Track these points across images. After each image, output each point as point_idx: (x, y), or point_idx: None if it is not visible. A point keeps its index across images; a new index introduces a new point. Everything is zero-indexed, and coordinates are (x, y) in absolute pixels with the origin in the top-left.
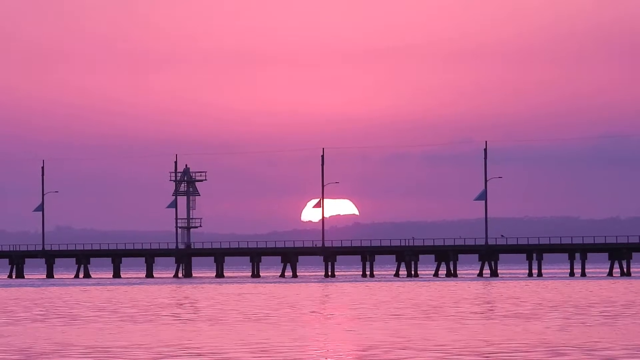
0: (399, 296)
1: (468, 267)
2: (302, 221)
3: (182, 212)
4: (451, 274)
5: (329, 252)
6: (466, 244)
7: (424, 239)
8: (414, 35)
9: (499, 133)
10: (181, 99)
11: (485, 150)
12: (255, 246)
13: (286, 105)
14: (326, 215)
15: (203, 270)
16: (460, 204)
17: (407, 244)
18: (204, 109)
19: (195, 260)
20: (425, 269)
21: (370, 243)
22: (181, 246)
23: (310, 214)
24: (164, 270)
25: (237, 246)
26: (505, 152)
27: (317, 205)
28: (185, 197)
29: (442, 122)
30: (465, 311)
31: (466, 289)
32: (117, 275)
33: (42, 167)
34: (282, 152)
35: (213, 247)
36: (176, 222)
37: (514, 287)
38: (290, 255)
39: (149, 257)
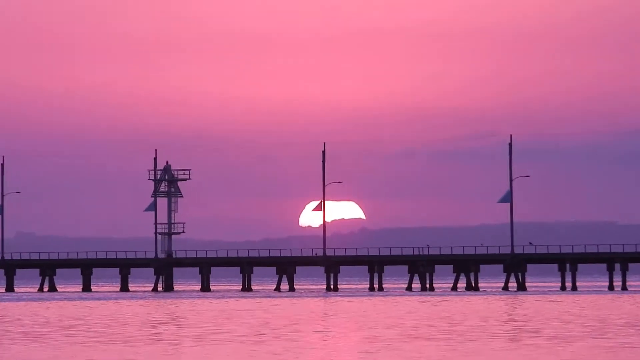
0: (414, 313)
1: (491, 280)
2: (301, 226)
3: (162, 216)
4: (472, 288)
5: (332, 262)
6: (489, 252)
7: (440, 247)
8: (430, 14)
9: (526, 125)
10: (162, 87)
11: (510, 144)
12: (247, 255)
13: (283, 94)
14: (328, 219)
15: (186, 282)
16: (481, 206)
17: (421, 253)
18: (188, 98)
19: (177, 271)
20: (442, 282)
21: (379, 252)
22: (161, 255)
23: (309, 218)
24: (142, 282)
25: (226, 255)
26: (533, 147)
27: (318, 208)
28: (166, 198)
29: (461, 113)
30: (495, 330)
31: (491, 304)
32: (87, 288)
33: (2, 165)
34: (278, 147)
35: (198, 256)
36: (155, 228)
37: (547, 302)
38: (286, 265)
39: (124, 267)
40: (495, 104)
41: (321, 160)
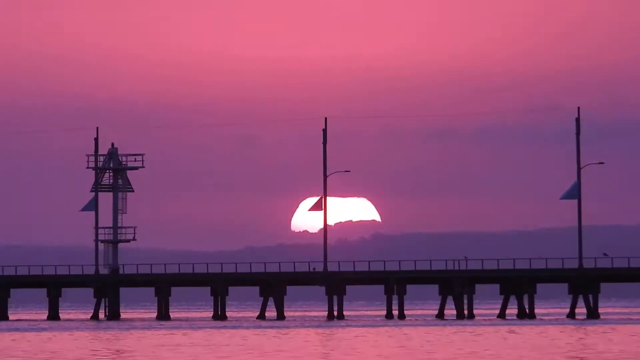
0: (455, 351)
1: (552, 304)
2: (293, 232)
3: (105, 217)
4: (525, 314)
5: (335, 280)
6: (548, 267)
7: (482, 260)
8: None
9: (598, 96)
10: (105, 44)
11: (578, 120)
12: (220, 271)
13: (269, 52)
14: (330, 222)
15: (137, 307)
16: (538, 205)
17: (456, 268)
18: (138, 63)
19: (125, 292)
20: (485, 307)
21: (399, 266)
22: (103, 271)
23: (305, 220)
24: (77, 307)
25: (191, 271)
26: (607, 126)
27: (316, 207)
28: (111, 193)
29: (508, 80)
30: None
31: (554, 339)
32: (2, 317)
33: None
34: (262, 125)
35: (153, 272)
36: (96, 233)
37: (627, 336)
38: (274, 284)
39: (53, 287)
40: (555, 69)
41: (322, 142)
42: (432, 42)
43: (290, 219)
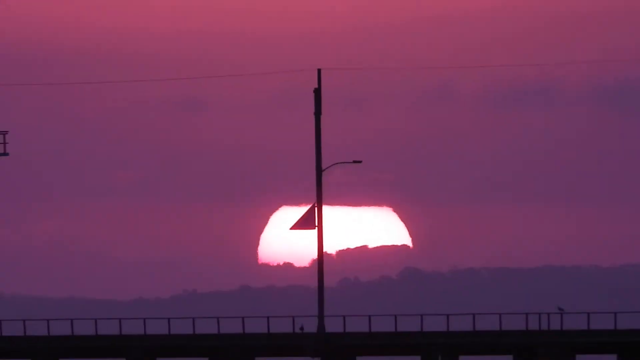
0: None
1: None
2: (263, 265)
3: None
4: None
5: (337, 348)
6: None
7: (588, 314)
8: None
9: None
10: None
11: None
12: (142, 332)
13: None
14: (328, 248)
15: None
16: None
17: (542, 329)
18: None
19: None
20: None
21: (448, 324)
22: None
23: (283, 245)
24: None
25: (93, 334)
26: None
27: (304, 224)
28: None
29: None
30: None
31: None
32: None
33: None
34: (210, 87)
35: (32, 334)
36: None
37: None
38: (237, 355)
39: None
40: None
41: (313, 112)
42: None
43: (257, 246)
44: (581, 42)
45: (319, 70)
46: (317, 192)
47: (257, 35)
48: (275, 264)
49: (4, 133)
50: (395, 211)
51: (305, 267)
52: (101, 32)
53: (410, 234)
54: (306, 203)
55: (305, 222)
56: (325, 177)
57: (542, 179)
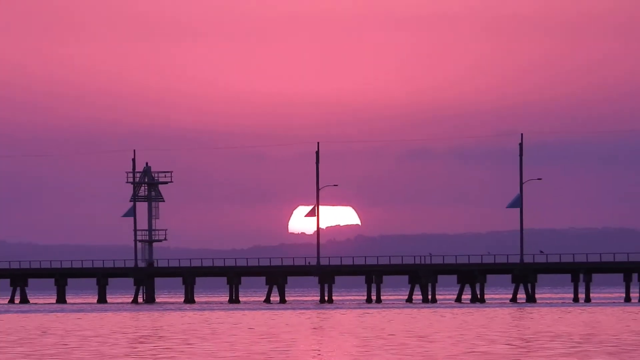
0: (418, 327)
1: (498, 291)
2: (292, 233)
3: (142, 222)
4: (477, 299)
5: (326, 272)
6: (496, 262)
7: (443, 256)
8: (442, 2)
9: (539, 124)
10: (141, 84)
11: (521, 145)
12: (234, 264)
13: (272, 89)
14: (322, 226)
15: (169, 294)
16: (488, 212)
17: (422, 262)
18: (169, 95)
19: (159, 281)
20: (445, 293)
21: (377, 261)
22: (141, 264)
23: (301, 224)
24: (121, 293)
25: (211, 264)
26: (546, 148)
27: (311, 214)
28: (146, 202)
29: (468, 111)
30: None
31: (501, 318)
32: (61, 300)
33: None
34: (267, 147)
35: (181, 265)
36: (135, 235)
37: (561, 315)
38: (277, 275)
39: (102, 277)
40: (505, 100)
41: (315, 161)
42: (406, 78)
43: (289, 223)
44: None
45: (318, 143)
46: (317, 199)
47: None
48: (297, 233)
49: (170, 171)
50: (353, 208)
51: (310, 235)
52: None
53: (360, 219)
54: (311, 204)
55: (311, 213)
56: (320, 192)
57: None
